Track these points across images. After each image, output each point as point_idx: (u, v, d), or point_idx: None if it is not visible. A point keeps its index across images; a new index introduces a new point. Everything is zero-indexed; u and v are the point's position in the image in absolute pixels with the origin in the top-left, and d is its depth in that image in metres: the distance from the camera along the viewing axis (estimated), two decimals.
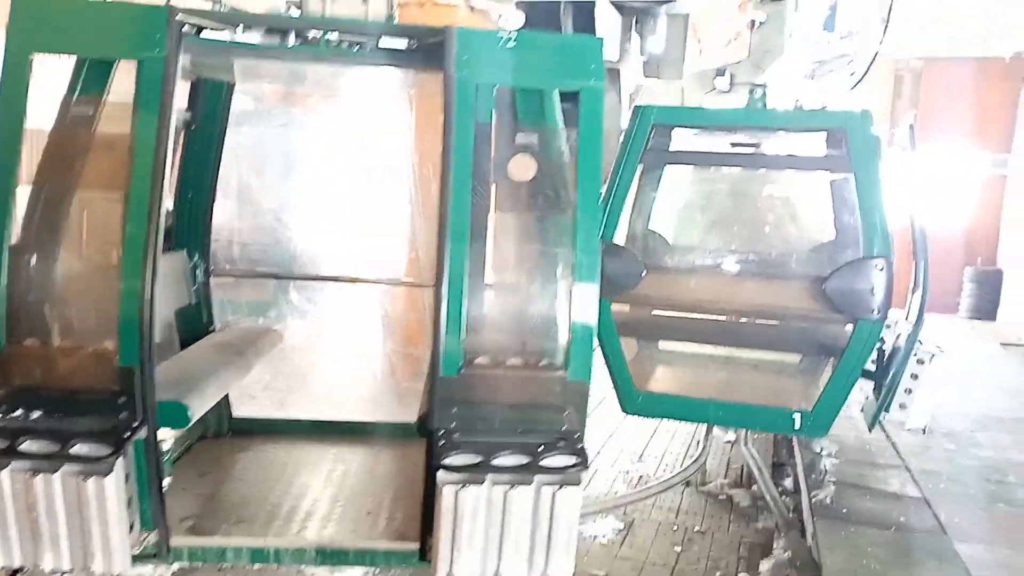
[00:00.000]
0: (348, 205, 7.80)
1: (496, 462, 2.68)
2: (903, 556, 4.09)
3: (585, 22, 9.39)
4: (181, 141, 3.96)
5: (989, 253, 13.11)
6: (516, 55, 2.76)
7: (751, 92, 4.36)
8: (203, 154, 4.01)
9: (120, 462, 2.63)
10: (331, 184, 8.15)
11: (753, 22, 10.88)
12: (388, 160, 6.75)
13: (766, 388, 4.95)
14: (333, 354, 7.44)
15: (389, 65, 3.05)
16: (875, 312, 3.97)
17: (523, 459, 2.68)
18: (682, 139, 4.86)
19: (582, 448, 2.72)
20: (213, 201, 4.11)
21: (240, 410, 4.34)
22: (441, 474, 2.68)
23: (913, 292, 4.26)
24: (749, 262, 4.99)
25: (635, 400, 4.44)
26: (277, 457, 3.98)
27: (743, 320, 4.80)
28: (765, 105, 4.32)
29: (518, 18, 7.65)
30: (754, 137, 5.01)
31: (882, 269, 3.97)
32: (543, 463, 2.68)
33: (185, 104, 3.85)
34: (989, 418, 6.80)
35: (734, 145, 4.64)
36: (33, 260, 2.77)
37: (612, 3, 9.58)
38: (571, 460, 2.68)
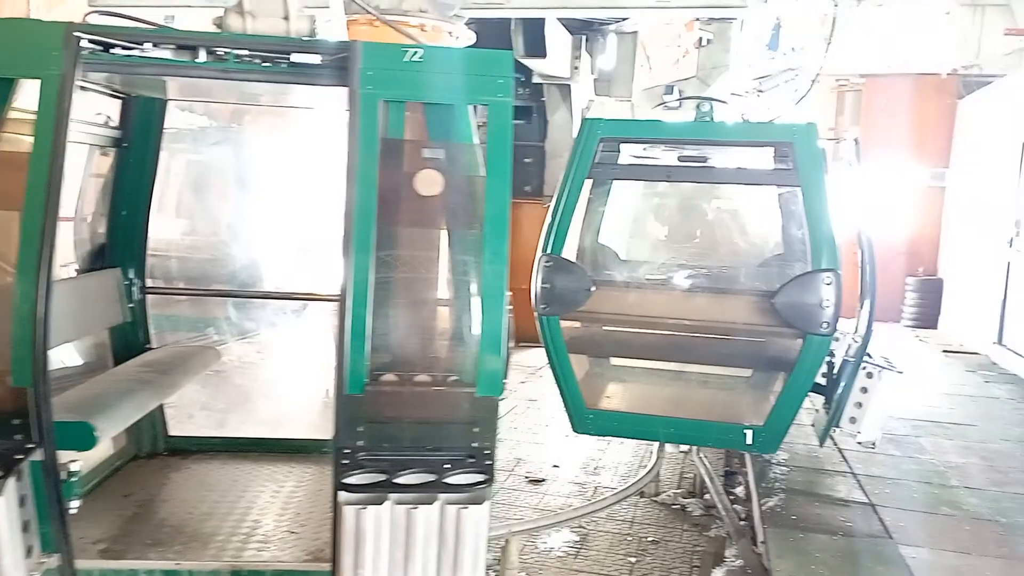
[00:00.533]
0: (292, 221, 7.73)
1: (399, 480, 2.64)
2: (851, 561, 4.17)
3: (535, 40, 9.54)
4: (113, 159, 3.92)
5: (930, 263, 13.52)
6: (424, 70, 2.74)
7: (698, 106, 4.45)
8: (137, 171, 3.97)
9: (12, 484, 2.57)
10: (274, 200, 8.09)
11: (700, 40, 11.14)
12: (332, 175, 6.72)
13: (718, 404, 4.95)
14: (277, 371, 7.35)
15: (299, 83, 2.99)
16: (824, 326, 3.98)
17: (427, 477, 2.64)
18: (631, 153, 4.91)
19: (490, 465, 2.68)
20: (148, 218, 4.06)
21: (177, 429, 4.28)
22: (342, 494, 2.64)
23: (861, 304, 4.29)
24: (699, 277, 5.01)
25: (585, 419, 4.39)
26: (208, 476, 3.92)
27: (694, 335, 4.76)
28: (712, 119, 4.37)
29: (469, 37, 7.71)
30: (703, 151, 4.96)
31: (830, 283, 3.97)
32: (448, 481, 2.64)
33: (117, 121, 3.81)
34: (931, 423, 6.99)
35: (682, 159, 4.68)
36: None
37: (562, 22, 9.73)
38: (477, 478, 2.65)
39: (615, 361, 5.35)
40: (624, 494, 5.35)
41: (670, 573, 4.62)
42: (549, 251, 4.27)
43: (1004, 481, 5.66)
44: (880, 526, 4.63)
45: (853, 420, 4.25)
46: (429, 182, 2.81)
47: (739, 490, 5.76)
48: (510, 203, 2.74)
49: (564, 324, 4.34)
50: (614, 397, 5.06)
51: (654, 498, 5.67)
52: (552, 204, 4.32)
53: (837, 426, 4.28)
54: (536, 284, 4.23)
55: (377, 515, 2.62)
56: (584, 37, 10.39)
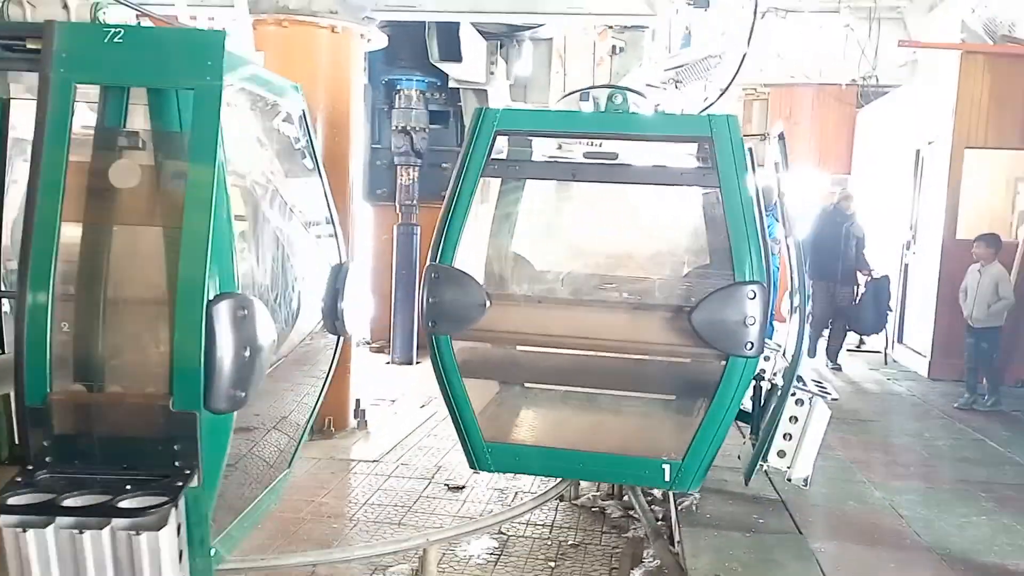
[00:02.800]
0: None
1: (66, 503, 2.30)
2: (763, 557, 4.26)
3: (451, 45, 9.49)
4: None
5: None
6: (126, 52, 2.47)
7: (610, 98, 3.95)
8: None
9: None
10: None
11: (614, 49, 11.31)
12: None
13: (636, 434, 4.57)
14: None
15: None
16: (748, 346, 3.54)
17: (96, 499, 2.31)
18: (544, 152, 4.54)
19: (179, 487, 2.35)
20: (0, 221, 3.73)
21: None
22: (3, 516, 2.32)
23: (789, 317, 3.97)
24: (613, 289, 4.59)
25: (483, 455, 4.00)
26: None
27: (604, 357, 4.35)
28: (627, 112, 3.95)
29: (381, 39, 7.61)
30: (612, 147, 4.39)
31: (754, 297, 3.51)
32: (121, 504, 2.30)
33: None
34: (837, 420, 7.24)
35: (588, 156, 4.28)
36: None
37: (477, 28, 9.72)
38: (155, 500, 2.30)
39: (530, 384, 4.92)
40: (544, 498, 5.35)
41: (589, 575, 4.63)
42: (437, 261, 3.83)
43: (905, 475, 5.91)
44: (791, 522, 4.75)
45: (782, 454, 3.91)
46: (124, 174, 2.54)
47: (657, 491, 5.83)
48: (213, 196, 2.41)
49: (461, 345, 3.94)
50: (521, 427, 4.61)
51: (574, 502, 5.68)
52: (443, 207, 3.92)
53: (764, 460, 3.95)
54: (422, 299, 3.85)
55: (40, 539, 2.29)
56: (499, 43, 10.40)
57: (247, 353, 2.40)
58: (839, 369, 9.72)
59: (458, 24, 9.08)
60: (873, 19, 13.40)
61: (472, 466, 4.06)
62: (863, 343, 11.06)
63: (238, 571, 4.24)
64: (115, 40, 2.46)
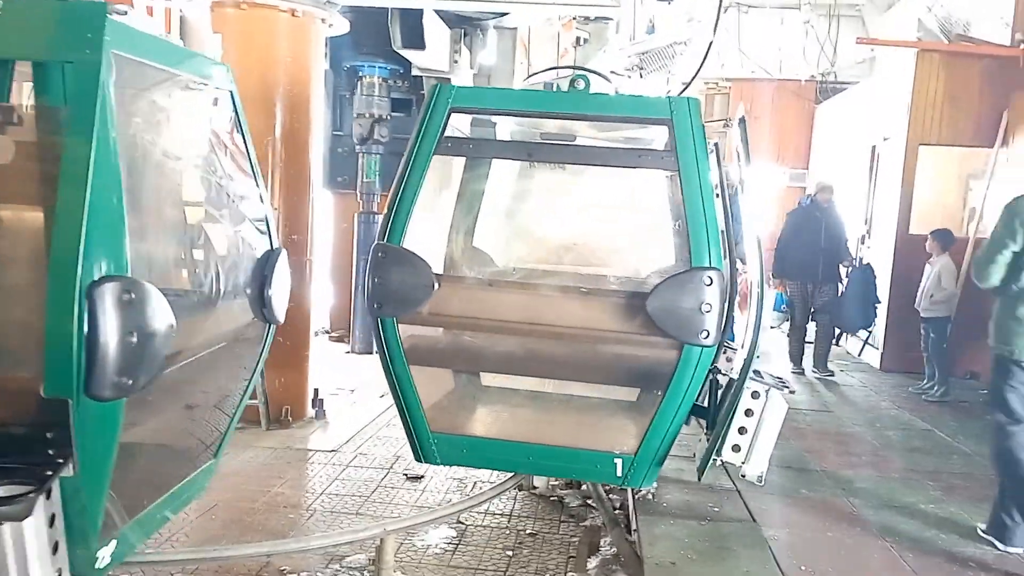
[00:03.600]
0: None
1: None
2: (718, 545, 4.32)
3: (414, 32, 9.40)
4: None
5: None
6: (4, 24, 2.36)
7: (572, 82, 3.84)
8: None
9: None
10: None
11: (578, 40, 11.30)
12: None
13: (591, 428, 4.49)
14: None
15: None
16: (703, 334, 3.46)
17: None
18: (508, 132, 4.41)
19: (47, 476, 2.25)
20: None
21: None
22: None
23: (745, 308, 3.91)
24: (568, 274, 4.49)
25: (428, 446, 3.88)
26: None
27: (556, 344, 4.17)
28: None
29: (343, 24, 7.52)
30: (569, 129, 4.39)
31: (711, 283, 3.44)
32: None
33: None
34: (792, 410, 7.36)
35: (545, 136, 4.20)
36: None
37: (440, 16, 9.64)
38: (21, 489, 2.20)
39: (488, 378, 4.78)
40: (503, 488, 5.34)
41: (547, 564, 4.65)
42: (385, 239, 3.72)
43: (857, 464, 6.04)
44: (745, 511, 4.81)
45: (736, 448, 3.76)
46: None
47: None
48: (89, 174, 2.28)
49: (409, 329, 3.81)
50: (468, 417, 4.48)
51: (532, 491, 5.69)
52: (393, 186, 3.83)
53: (718, 455, 3.81)
54: (368, 280, 3.74)
55: None
56: (463, 31, 10.33)
57: (134, 339, 2.28)
58: (832, 376, 9.11)
59: (421, 11, 9.00)
60: (833, 16, 13.60)
61: (418, 458, 3.94)
62: (838, 342, 10.49)
63: (190, 562, 4.18)
64: None
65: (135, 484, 2.78)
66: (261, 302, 3.27)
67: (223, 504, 5.16)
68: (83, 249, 2.19)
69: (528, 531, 5.10)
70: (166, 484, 3.01)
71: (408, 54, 9.58)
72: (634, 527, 4.70)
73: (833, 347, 9.94)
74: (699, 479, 4.40)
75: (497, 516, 5.30)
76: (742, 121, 4.22)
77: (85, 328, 2.18)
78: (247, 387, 3.50)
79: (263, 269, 3.29)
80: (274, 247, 3.39)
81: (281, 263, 3.36)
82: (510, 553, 4.77)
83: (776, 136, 13.96)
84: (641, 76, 11.72)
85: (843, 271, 9.62)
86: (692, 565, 4.06)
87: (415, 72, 10.12)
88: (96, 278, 2.20)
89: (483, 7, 9.39)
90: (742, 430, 3.73)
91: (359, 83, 9.94)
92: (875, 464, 6.07)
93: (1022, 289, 4.38)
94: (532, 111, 4.04)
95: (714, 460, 3.85)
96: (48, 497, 2.22)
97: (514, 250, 5.16)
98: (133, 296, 2.27)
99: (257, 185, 3.42)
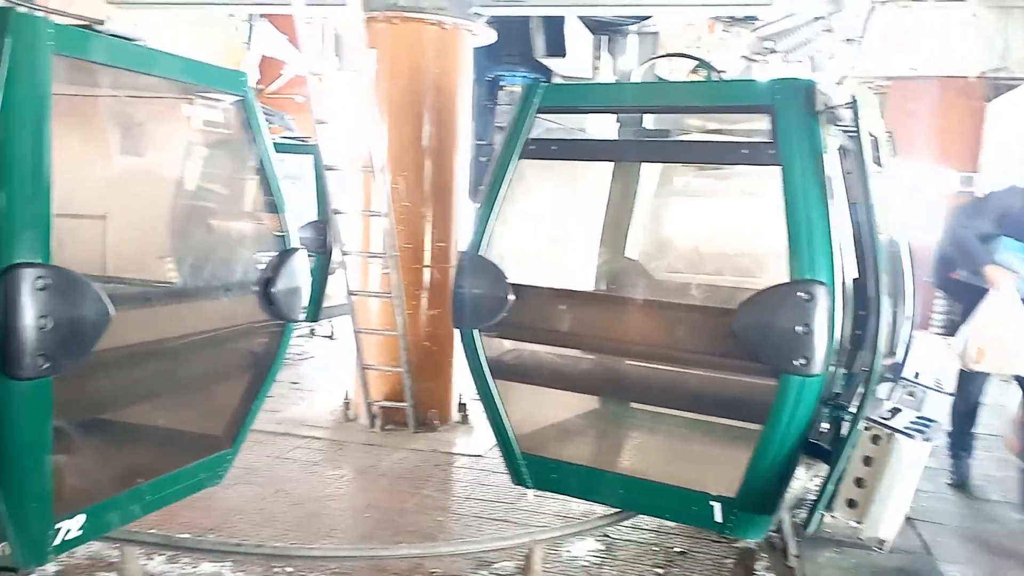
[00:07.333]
0: None
1: None
2: None
3: (556, 40, 9.41)
4: None
5: None
6: None
7: (696, 71, 3.60)
8: None
9: None
10: None
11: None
12: None
13: (693, 462, 4.05)
14: None
15: None
16: (801, 362, 2.87)
17: None
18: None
19: None
20: None
21: None
22: None
23: (864, 333, 3.28)
24: (658, 286, 4.22)
25: (518, 467, 3.64)
26: None
27: (638, 365, 3.88)
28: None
29: (490, 35, 7.61)
30: (667, 122, 4.09)
31: (810, 299, 2.85)
32: None
33: None
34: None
35: (637, 133, 3.93)
36: None
37: (583, 21, 9.61)
38: None
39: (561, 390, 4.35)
40: None
41: None
42: (468, 248, 3.59)
43: None
44: (918, 541, 4.46)
45: (852, 504, 3.09)
46: None
47: None
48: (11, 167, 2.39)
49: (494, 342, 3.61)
50: (563, 440, 4.17)
51: None
52: (484, 192, 3.67)
53: (827, 509, 3.16)
54: (451, 290, 3.64)
55: None
56: (606, 37, 10.26)
57: (49, 323, 2.40)
58: None
59: (563, 19, 9.00)
60: (1003, 8, 12.59)
61: (512, 480, 3.68)
62: None
63: (348, 559, 4.31)
64: None
65: (109, 462, 3.01)
66: (268, 299, 3.38)
67: (376, 505, 5.30)
68: None
69: (677, 549, 4.93)
70: (158, 467, 3.15)
71: (549, 62, 9.61)
72: (792, 552, 4.44)
73: None
74: (804, 532, 3.48)
75: (644, 531, 5.16)
76: (889, 133, 3.72)
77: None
78: (265, 381, 3.58)
79: (273, 268, 3.40)
80: (288, 246, 3.49)
81: (294, 262, 3.46)
82: (660, 571, 4.63)
83: (941, 138, 13.02)
84: (774, 54, 10.80)
85: None
86: None
87: (557, 80, 10.14)
88: (10, 264, 2.34)
89: (625, 11, 9.27)
90: (859, 482, 3.07)
91: (501, 92, 10.05)
92: None
93: None
94: (620, 106, 3.83)
95: (822, 515, 3.20)
96: None
97: (665, 259, 4.91)
98: (48, 283, 2.40)
99: (271, 187, 3.52)
